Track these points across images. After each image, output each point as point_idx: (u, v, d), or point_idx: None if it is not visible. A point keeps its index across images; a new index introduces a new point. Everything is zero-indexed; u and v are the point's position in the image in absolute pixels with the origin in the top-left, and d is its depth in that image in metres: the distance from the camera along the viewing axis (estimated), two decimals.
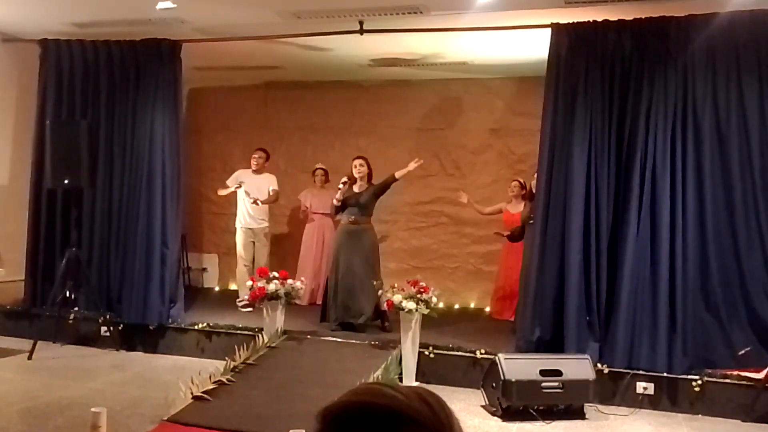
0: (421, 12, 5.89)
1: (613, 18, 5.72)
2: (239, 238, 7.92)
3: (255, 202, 7.70)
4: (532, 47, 6.52)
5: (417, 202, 8.71)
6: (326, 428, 0.88)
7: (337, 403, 0.90)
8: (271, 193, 7.89)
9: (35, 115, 7.13)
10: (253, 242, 7.90)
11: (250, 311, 7.27)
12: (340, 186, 6.74)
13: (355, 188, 6.78)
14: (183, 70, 7.05)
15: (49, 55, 7.13)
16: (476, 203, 7.83)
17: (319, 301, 7.60)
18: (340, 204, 6.75)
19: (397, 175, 6.68)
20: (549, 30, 5.88)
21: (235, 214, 7.98)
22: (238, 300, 7.78)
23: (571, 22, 5.82)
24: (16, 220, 7.22)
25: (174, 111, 6.98)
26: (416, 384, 5.61)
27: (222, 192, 8.04)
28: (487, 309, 8.13)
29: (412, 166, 6.61)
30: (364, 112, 8.93)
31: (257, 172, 7.97)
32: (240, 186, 7.85)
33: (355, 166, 6.76)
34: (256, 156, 7.99)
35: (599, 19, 5.75)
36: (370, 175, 6.82)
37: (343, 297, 6.60)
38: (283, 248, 8.15)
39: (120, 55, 7.03)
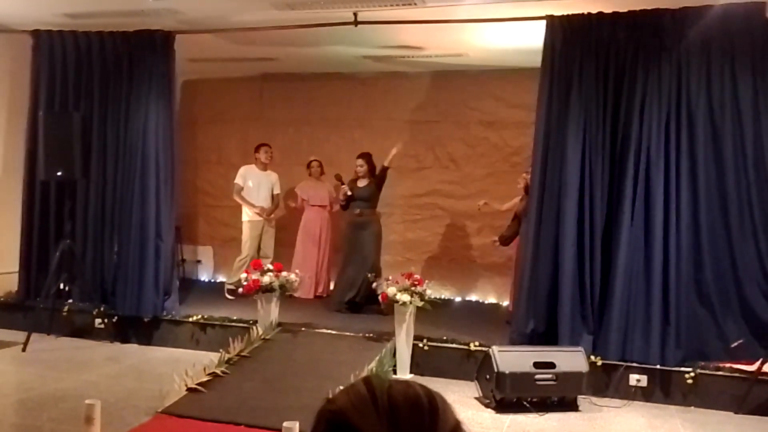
0: (415, 4, 5.87)
1: (607, 10, 5.71)
2: (246, 230, 7.96)
3: (262, 214, 7.87)
4: (527, 39, 6.51)
5: (412, 194, 8.70)
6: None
7: (334, 410, 0.87)
8: (274, 198, 8.06)
9: (28, 107, 7.09)
10: (260, 233, 7.94)
11: (232, 299, 7.44)
12: (344, 194, 7.36)
13: (360, 183, 7.42)
14: (177, 62, 7.02)
15: (42, 46, 7.08)
16: (493, 201, 7.58)
17: (325, 293, 8.20)
18: (345, 202, 7.45)
19: (386, 164, 7.37)
20: (544, 22, 5.87)
21: (230, 207, 7.97)
22: (227, 283, 7.85)
23: (566, 14, 5.81)
24: (9, 212, 7.20)
25: (168, 102, 6.95)
26: (410, 377, 5.62)
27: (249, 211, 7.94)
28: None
29: (393, 151, 7.26)
30: (359, 105, 8.91)
31: (265, 167, 8.00)
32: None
33: (356, 166, 7.45)
34: (268, 152, 8.03)
35: (594, 12, 5.75)
36: (372, 171, 7.42)
37: (348, 281, 7.27)
38: (276, 240, 8.13)
39: (113, 46, 6.99)
